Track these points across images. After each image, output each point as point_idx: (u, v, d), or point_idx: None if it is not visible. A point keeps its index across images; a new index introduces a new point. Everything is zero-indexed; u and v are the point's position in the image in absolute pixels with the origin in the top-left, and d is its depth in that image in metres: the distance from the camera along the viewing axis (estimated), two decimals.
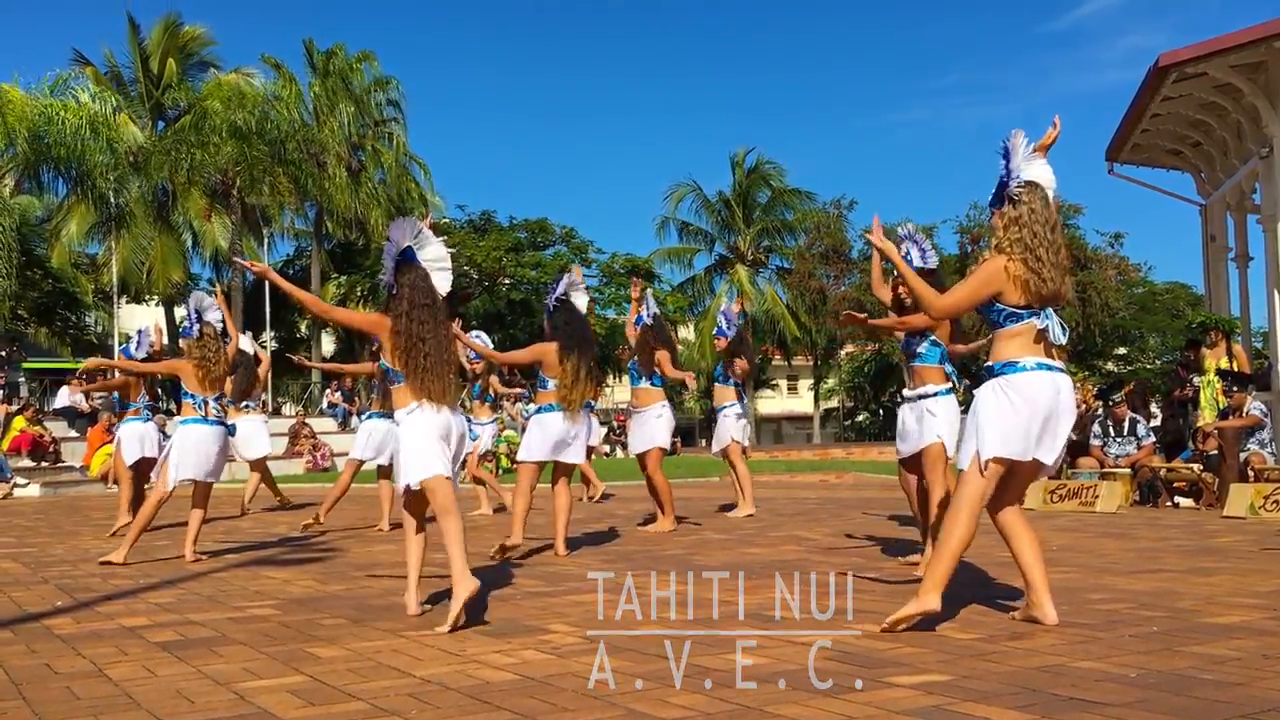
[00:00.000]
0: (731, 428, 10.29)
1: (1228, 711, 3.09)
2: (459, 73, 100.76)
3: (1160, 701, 3.21)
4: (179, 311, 40.92)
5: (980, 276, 4.63)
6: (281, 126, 32.76)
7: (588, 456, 13.24)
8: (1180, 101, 16.06)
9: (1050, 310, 4.55)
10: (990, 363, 4.63)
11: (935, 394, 6.38)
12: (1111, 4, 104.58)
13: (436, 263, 5.51)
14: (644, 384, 9.19)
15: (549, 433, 7.46)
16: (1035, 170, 4.67)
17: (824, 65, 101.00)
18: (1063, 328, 4.59)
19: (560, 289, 7.60)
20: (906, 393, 6.53)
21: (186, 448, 7.76)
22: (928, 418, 6.34)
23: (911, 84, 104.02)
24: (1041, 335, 4.54)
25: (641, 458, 9.23)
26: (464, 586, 4.73)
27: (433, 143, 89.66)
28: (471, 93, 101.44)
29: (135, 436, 10.27)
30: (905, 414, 6.51)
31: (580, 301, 7.62)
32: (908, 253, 6.45)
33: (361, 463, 10.13)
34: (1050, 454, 4.58)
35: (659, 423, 9.15)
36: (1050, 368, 4.55)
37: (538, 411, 7.61)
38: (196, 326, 7.91)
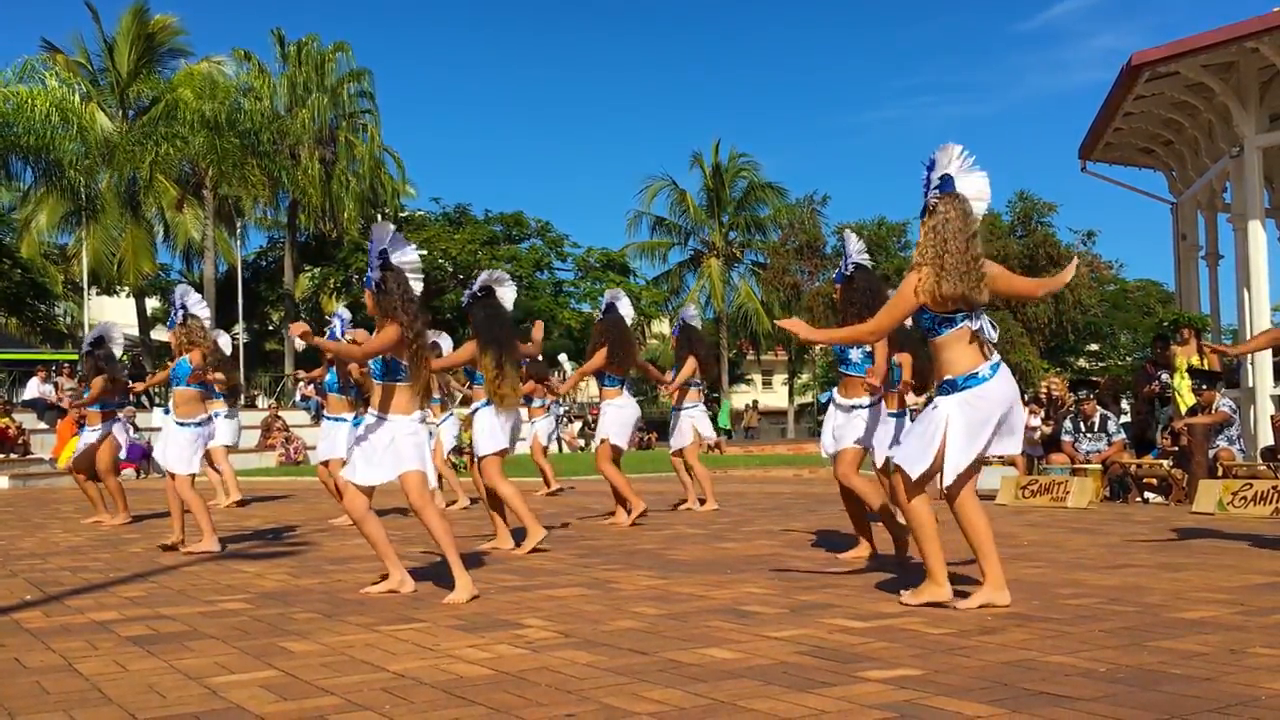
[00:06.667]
0: (696, 426, 10.46)
1: (1195, 706, 3.12)
2: (434, 65, 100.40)
3: (1129, 696, 3.24)
4: (149, 303, 40.69)
5: (894, 299, 4.97)
6: (254, 118, 32.52)
7: (544, 452, 13.42)
8: (1153, 100, 16.19)
9: (980, 314, 4.79)
10: (949, 376, 4.78)
11: (868, 406, 6.66)
12: (1082, 5, 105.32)
13: (410, 268, 5.68)
14: (607, 383, 9.47)
15: (490, 425, 7.54)
16: (969, 181, 4.90)
17: (798, 64, 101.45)
18: (992, 325, 4.84)
19: (477, 284, 7.65)
20: (842, 400, 6.72)
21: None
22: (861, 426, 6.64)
23: (885, 82, 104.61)
24: (975, 336, 4.77)
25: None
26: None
27: (407, 135, 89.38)
28: (447, 86, 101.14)
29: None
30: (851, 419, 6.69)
31: (506, 295, 7.56)
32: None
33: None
34: (1016, 444, 4.95)
35: (604, 419, 9.49)
36: (1000, 365, 4.82)
37: (479, 407, 7.71)
38: (180, 314, 8.13)
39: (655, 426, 32.20)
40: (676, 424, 10.57)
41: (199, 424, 8.12)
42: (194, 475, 8.06)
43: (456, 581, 5.32)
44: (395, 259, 5.58)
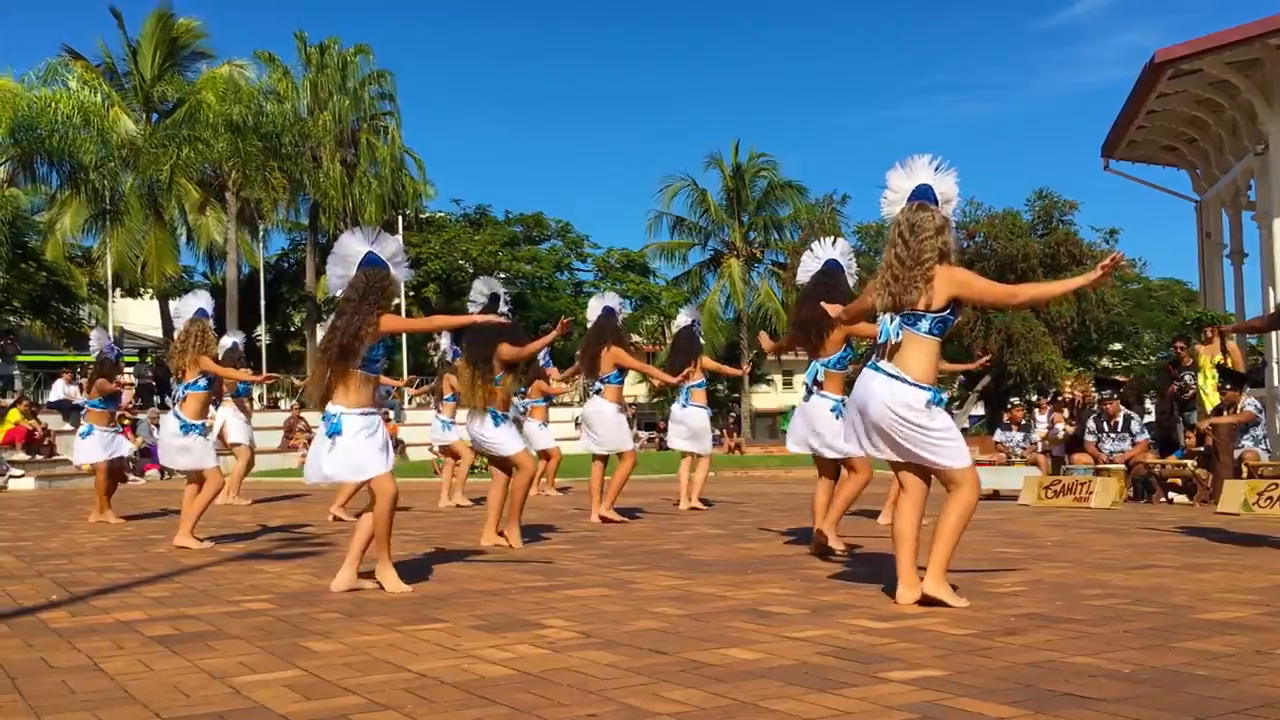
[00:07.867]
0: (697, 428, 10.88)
1: (1222, 708, 3.09)
2: (454, 66, 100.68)
3: (1154, 698, 3.22)
4: (173, 305, 40.95)
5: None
6: (277, 120, 32.65)
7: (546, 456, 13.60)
8: (1176, 98, 16.10)
9: (888, 316, 4.95)
10: None
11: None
12: (1103, 3, 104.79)
13: (394, 258, 5.88)
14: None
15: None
16: (938, 184, 5.11)
17: (816, 62, 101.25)
18: (895, 331, 4.92)
19: (476, 295, 7.94)
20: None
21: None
22: None
23: (903, 81, 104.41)
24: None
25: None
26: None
27: (427, 136, 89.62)
28: (467, 86, 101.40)
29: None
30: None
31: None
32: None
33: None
34: (865, 447, 5.10)
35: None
36: (868, 368, 5.04)
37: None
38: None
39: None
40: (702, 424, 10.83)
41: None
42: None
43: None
44: (378, 251, 5.76)
